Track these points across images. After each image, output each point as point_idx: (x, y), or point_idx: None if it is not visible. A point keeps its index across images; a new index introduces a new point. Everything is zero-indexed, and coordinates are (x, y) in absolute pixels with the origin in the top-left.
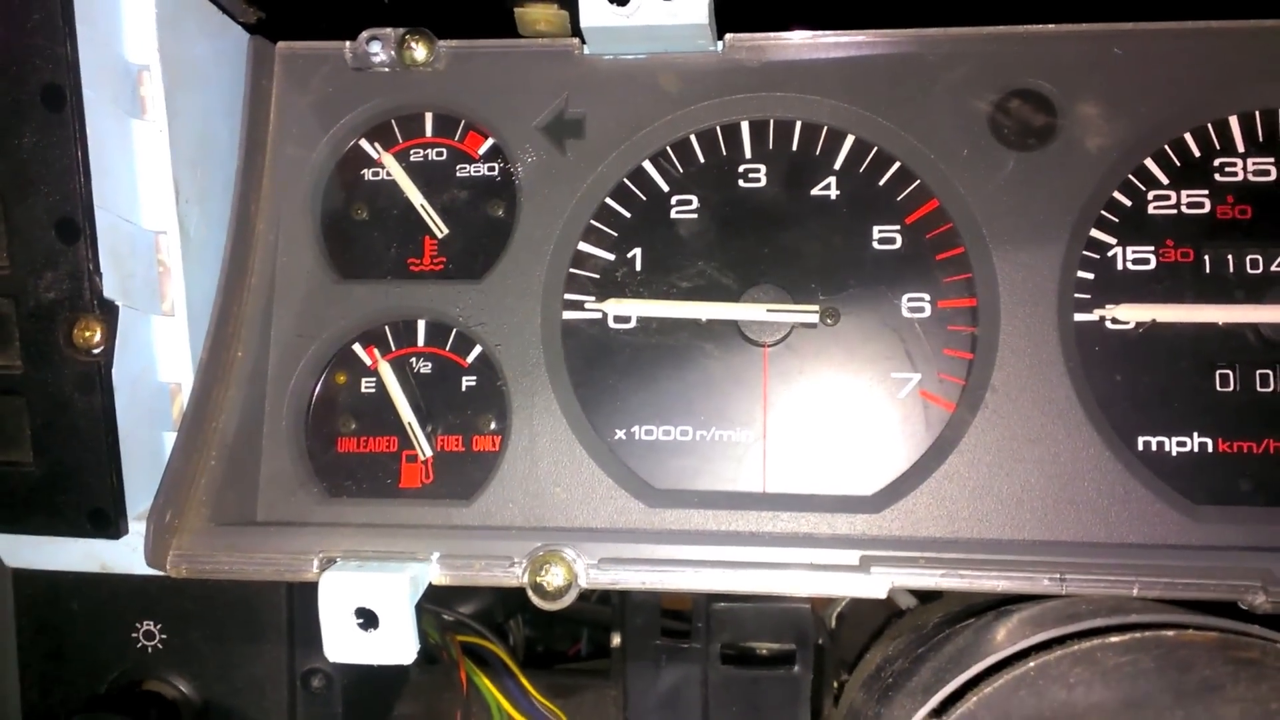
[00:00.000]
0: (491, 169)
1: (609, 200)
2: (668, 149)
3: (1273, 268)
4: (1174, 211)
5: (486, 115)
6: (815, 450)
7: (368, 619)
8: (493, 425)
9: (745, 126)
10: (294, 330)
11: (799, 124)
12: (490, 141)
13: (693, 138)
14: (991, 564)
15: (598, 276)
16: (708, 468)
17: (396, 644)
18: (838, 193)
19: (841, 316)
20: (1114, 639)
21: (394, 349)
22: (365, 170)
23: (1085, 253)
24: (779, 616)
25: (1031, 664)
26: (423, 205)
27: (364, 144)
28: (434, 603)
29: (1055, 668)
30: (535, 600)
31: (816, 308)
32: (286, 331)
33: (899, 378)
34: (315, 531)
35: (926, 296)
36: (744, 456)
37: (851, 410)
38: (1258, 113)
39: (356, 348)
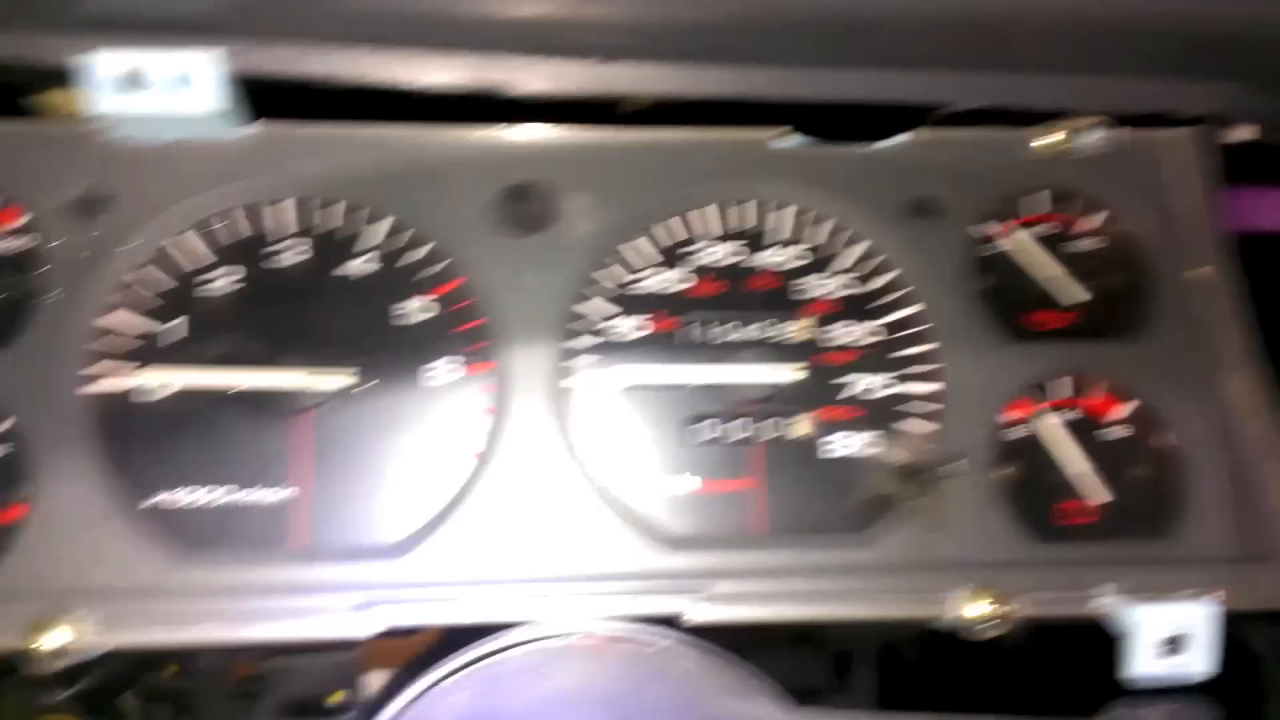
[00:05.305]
0: (24, 243)
1: (143, 272)
2: (207, 223)
3: (739, 336)
4: (659, 289)
5: (18, 191)
6: (348, 507)
7: None
8: (22, 496)
9: (288, 203)
10: None
11: (340, 203)
12: (24, 216)
13: (233, 213)
14: (483, 597)
15: (134, 346)
16: (243, 528)
17: None
18: (374, 267)
19: (374, 381)
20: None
21: None
22: None
23: (581, 324)
24: (327, 668)
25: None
26: None
27: None
28: (33, 684)
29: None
30: (35, 666)
31: (351, 373)
32: None
33: (427, 438)
34: None
35: (453, 363)
36: (278, 516)
37: (383, 469)
38: (729, 205)
39: None
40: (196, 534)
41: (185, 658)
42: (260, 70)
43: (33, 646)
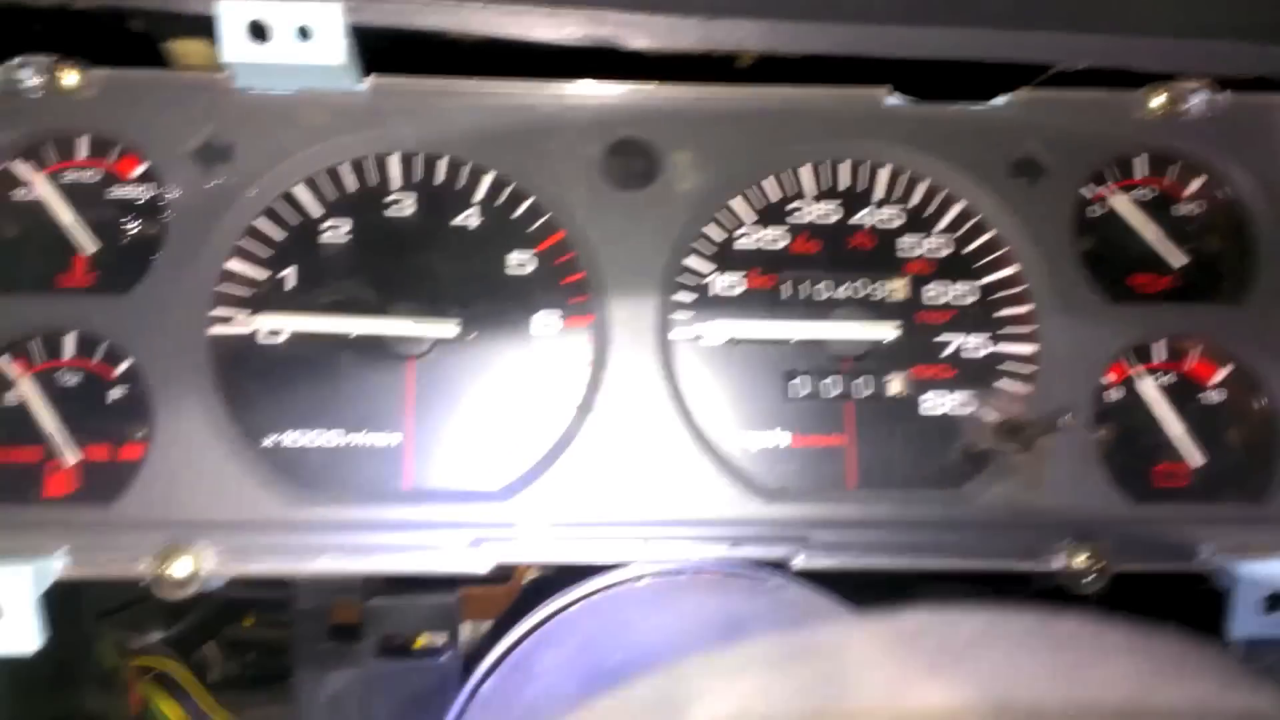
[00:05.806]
0: (144, 191)
1: (258, 222)
2: (320, 175)
3: (836, 294)
4: (756, 246)
5: (138, 140)
6: (454, 450)
7: None
8: (140, 434)
9: (395, 158)
10: None
11: (445, 158)
12: (144, 165)
13: (344, 166)
14: (586, 539)
15: (249, 293)
16: (354, 468)
17: (18, 635)
18: (478, 221)
19: (479, 332)
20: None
21: (41, 362)
22: (14, 190)
23: (681, 279)
24: (428, 609)
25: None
26: (73, 223)
27: (16, 165)
28: (124, 626)
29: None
30: (162, 592)
31: (456, 323)
32: None
33: (528, 387)
34: None
35: (554, 315)
36: (388, 458)
37: (487, 415)
38: (827, 164)
39: (4, 360)
40: (312, 474)
41: (279, 606)
42: (376, 23)
43: (162, 574)
